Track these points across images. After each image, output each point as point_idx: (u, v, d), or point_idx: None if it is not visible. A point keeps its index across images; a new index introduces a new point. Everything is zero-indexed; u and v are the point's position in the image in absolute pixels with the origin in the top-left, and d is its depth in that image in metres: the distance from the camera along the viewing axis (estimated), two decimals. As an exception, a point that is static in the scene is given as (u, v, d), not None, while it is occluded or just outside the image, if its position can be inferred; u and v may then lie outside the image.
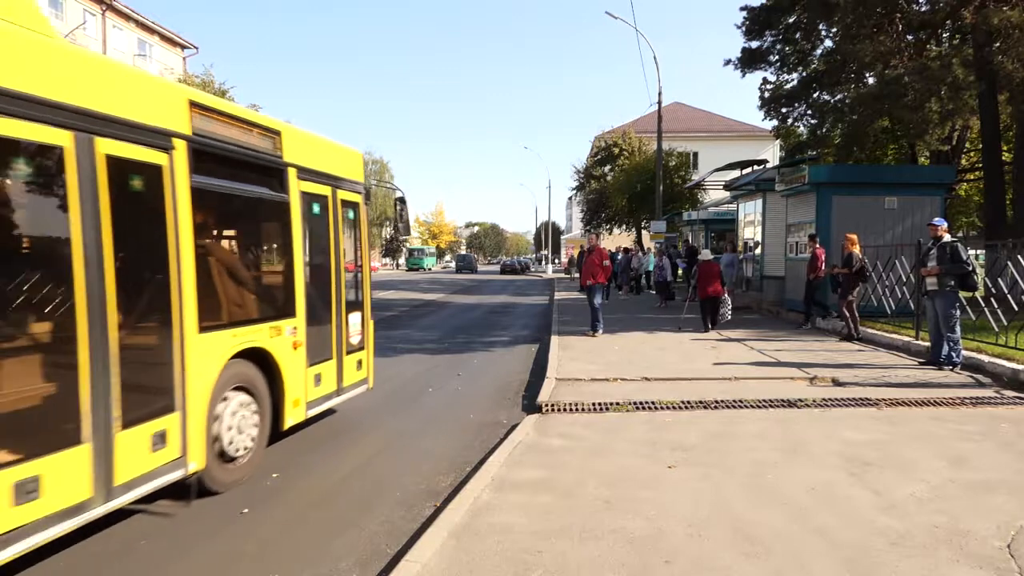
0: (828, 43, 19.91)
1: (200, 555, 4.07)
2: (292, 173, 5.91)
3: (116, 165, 4.02)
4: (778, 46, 20.43)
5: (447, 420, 7.32)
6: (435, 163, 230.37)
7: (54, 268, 3.68)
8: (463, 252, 70.42)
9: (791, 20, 19.37)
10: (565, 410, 7.02)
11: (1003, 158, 18.24)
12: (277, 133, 5.76)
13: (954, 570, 3.47)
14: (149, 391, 4.32)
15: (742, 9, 20.09)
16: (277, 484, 5.27)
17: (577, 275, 31.11)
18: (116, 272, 3.92)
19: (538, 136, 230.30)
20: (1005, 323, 9.09)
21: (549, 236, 62.85)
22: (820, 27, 18.95)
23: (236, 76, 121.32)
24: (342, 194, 6.85)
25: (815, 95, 20.32)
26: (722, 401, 7.18)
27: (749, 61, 20.84)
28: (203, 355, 4.70)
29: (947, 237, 8.80)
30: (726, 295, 13.29)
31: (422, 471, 5.51)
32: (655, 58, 24.71)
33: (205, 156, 4.81)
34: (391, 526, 4.41)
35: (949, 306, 8.64)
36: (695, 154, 42.60)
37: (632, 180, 33.96)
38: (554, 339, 11.96)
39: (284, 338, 5.72)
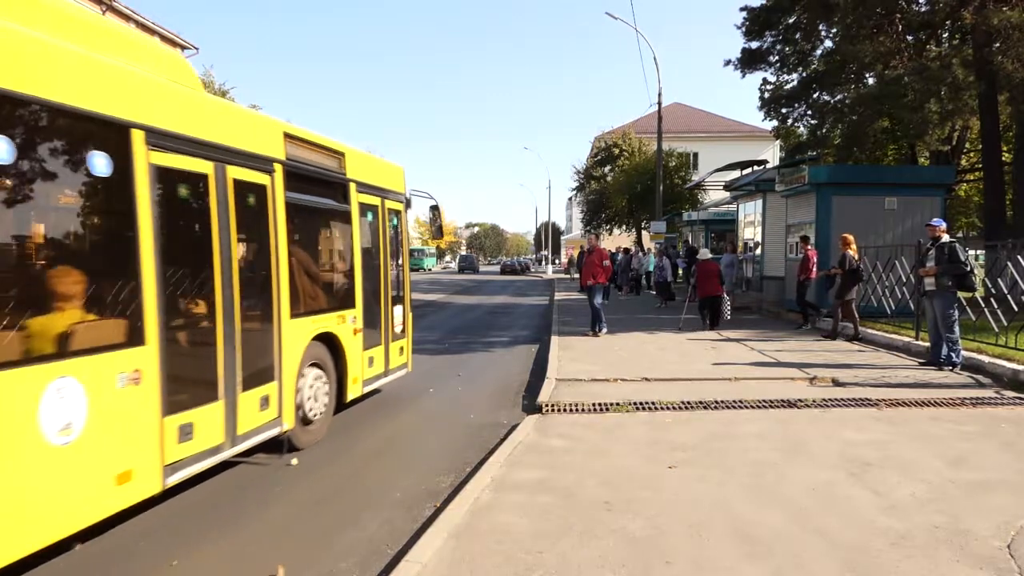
0: (828, 43, 19.95)
1: (199, 555, 4.07)
2: (352, 187, 7.10)
3: (239, 187, 5.15)
4: (778, 46, 20.43)
5: (447, 420, 7.33)
6: (435, 163, 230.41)
7: (202, 267, 4.82)
8: (465, 253, 70.65)
9: (791, 20, 19.36)
10: (565, 410, 7.02)
11: (1003, 158, 18.25)
12: (342, 154, 6.89)
13: (954, 570, 3.47)
14: (258, 363, 5.36)
15: (742, 9, 20.10)
16: (275, 485, 5.27)
17: (577, 275, 31.15)
18: (239, 270, 5.10)
19: (538, 136, 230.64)
20: (1005, 323, 9.09)
21: (549, 236, 62.86)
22: (820, 27, 18.96)
23: (236, 76, 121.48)
24: (389, 203, 8.09)
25: (815, 95, 20.32)
26: (722, 401, 7.18)
27: (749, 61, 20.84)
28: (293, 337, 5.83)
29: (945, 237, 8.80)
30: (725, 294, 13.34)
31: (422, 471, 5.51)
32: (655, 58, 24.73)
33: (294, 176, 5.92)
34: (391, 526, 4.41)
35: (947, 306, 8.64)
36: (695, 154, 42.60)
37: (632, 180, 33.99)
38: (554, 339, 11.97)
39: (347, 325, 6.88)
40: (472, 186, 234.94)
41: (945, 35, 18.50)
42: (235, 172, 5.12)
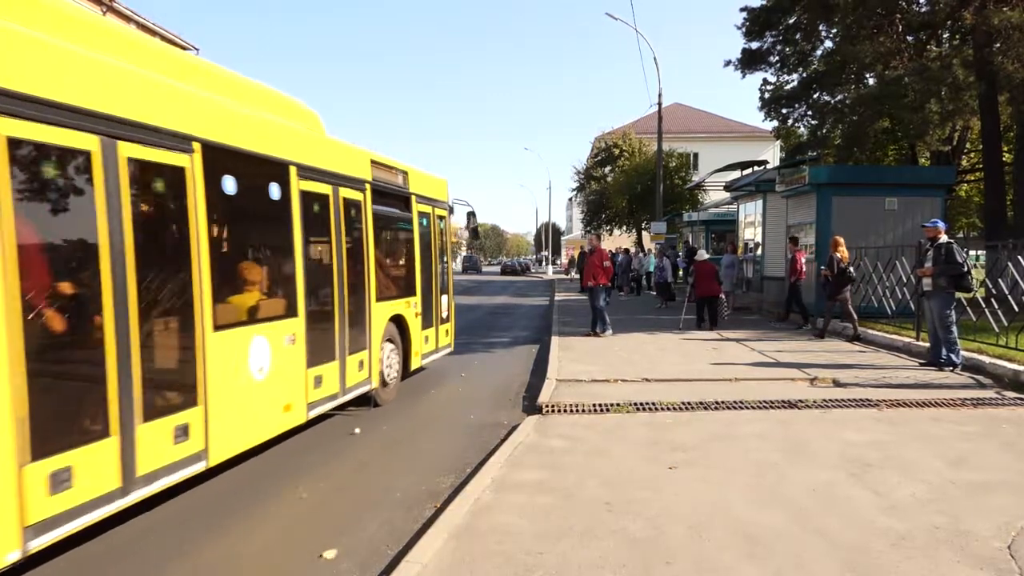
0: (828, 44, 19.95)
1: (198, 556, 4.07)
2: (413, 199, 8.89)
3: (346, 203, 6.96)
4: (778, 47, 20.42)
5: (447, 421, 7.33)
6: (435, 164, 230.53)
7: (328, 263, 6.63)
8: (468, 254, 70.85)
9: (791, 21, 19.35)
10: (566, 411, 7.01)
11: (1003, 159, 18.25)
12: (406, 172, 8.70)
13: (955, 571, 3.47)
14: (358, 336, 7.16)
15: (742, 10, 20.09)
16: (279, 483, 5.27)
17: (577, 276, 31.15)
18: (347, 265, 6.89)
19: (538, 137, 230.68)
20: (1006, 324, 9.08)
21: (549, 237, 62.84)
22: (820, 28, 18.96)
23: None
24: (437, 211, 9.87)
25: (815, 96, 20.31)
26: (723, 402, 7.18)
27: (749, 62, 20.83)
28: (378, 317, 7.65)
29: (944, 238, 8.81)
30: (722, 294, 13.47)
31: (422, 472, 5.51)
32: (655, 59, 24.73)
33: (376, 192, 7.69)
34: (391, 527, 4.41)
35: (944, 307, 8.66)
36: (695, 155, 42.62)
37: (632, 181, 33.99)
38: (554, 340, 11.97)
39: (411, 310, 8.70)
40: (472, 186, 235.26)
41: (945, 35, 18.49)
42: (344, 192, 6.93)
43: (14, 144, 3.38)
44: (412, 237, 8.90)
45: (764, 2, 19.45)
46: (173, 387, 4.53)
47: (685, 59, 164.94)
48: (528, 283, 41.37)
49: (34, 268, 3.50)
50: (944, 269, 8.61)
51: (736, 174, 20.92)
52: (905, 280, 11.46)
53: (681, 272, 24.53)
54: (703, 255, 14.25)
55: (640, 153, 38.15)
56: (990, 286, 9.85)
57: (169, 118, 4.47)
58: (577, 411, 7.00)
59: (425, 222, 9.37)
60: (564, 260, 64.51)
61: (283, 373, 5.69)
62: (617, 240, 39.51)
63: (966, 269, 8.58)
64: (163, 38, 42.25)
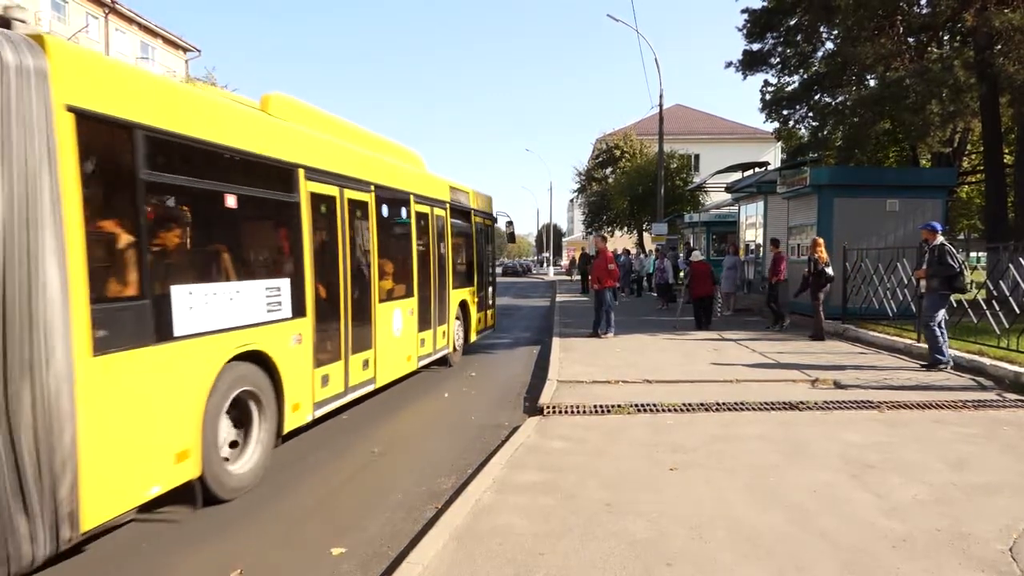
0: (829, 45, 19.89)
1: (196, 558, 4.07)
2: (472, 213, 11.72)
3: (437, 219, 9.76)
4: (779, 48, 20.40)
5: (448, 422, 7.33)
6: (436, 164, 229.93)
7: (433, 261, 9.50)
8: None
9: (792, 22, 19.33)
10: (566, 412, 7.02)
11: (1004, 160, 18.21)
12: (467, 193, 11.57)
13: (956, 573, 3.47)
14: (443, 313, 10.04)
15: (743, 11, 20.07)
16: (278, 485, 5.27)
17: (578, 277, 31.13)
18: (437, 261, 9.66)
19: (539, 138, 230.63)
20: (1007, 325, 9.08)
21: (551, 238, 62.80)
22: (821, 29, 18.93)
23: (238, 77, 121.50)
24: (487, 221, 12.83)
25: (816, 97, 20.29)
26: (723, 403, 7.18)
27: (750, 63, 20.81)
28: (453, 301, 10.56)
29: (940, 240, 8.88)
30: (717, 294, 13.93)
31: (423, 473, 5.52)
32: (656, 60, 24.77)
33: (452, 209, 10.53)
34: (392, 528, 4.42)
35: (933, 308, 8.78)
36: (696, 156, 42.57)
37: (633, 182, 33.97)
38: (556, 341, 11.97)
39: (471, 297, 11.63)
40: (474, 187, 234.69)
41: (946, 37, 18.48)
42: (437, 211, 9.85)
43: (315, 197, 6.28)
44: (472, 241, 11.77)
45: (765, 3, 19.44)
46: (364, 337, 7.28)
47: (686, 60, 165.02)
48: (529, 284, 41.37)
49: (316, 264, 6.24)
50: (937, 271, 8.70)
51: (737, 175, 20.90)
52: (906, 282, 11.45)
53: (682, 273, 24.53)
54: (698, 256, 14.63)
55: (641, 154, 38.14)
56: (991, 288, 9.84)
57: (363, 173, 7.38)
58: (578, 412, 7.00)
59: (480, 230, 12.28)
60: (565, 261, 64.45)
61: (407, 334, 8.54)
62: (618, 241, 39.48)
63: (959, 270, 8.62)
64: (165, 39, 42.26)
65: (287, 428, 5.67)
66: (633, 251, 32.78)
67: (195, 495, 4.60)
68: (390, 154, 8.75)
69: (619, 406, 7.07)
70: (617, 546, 3.80)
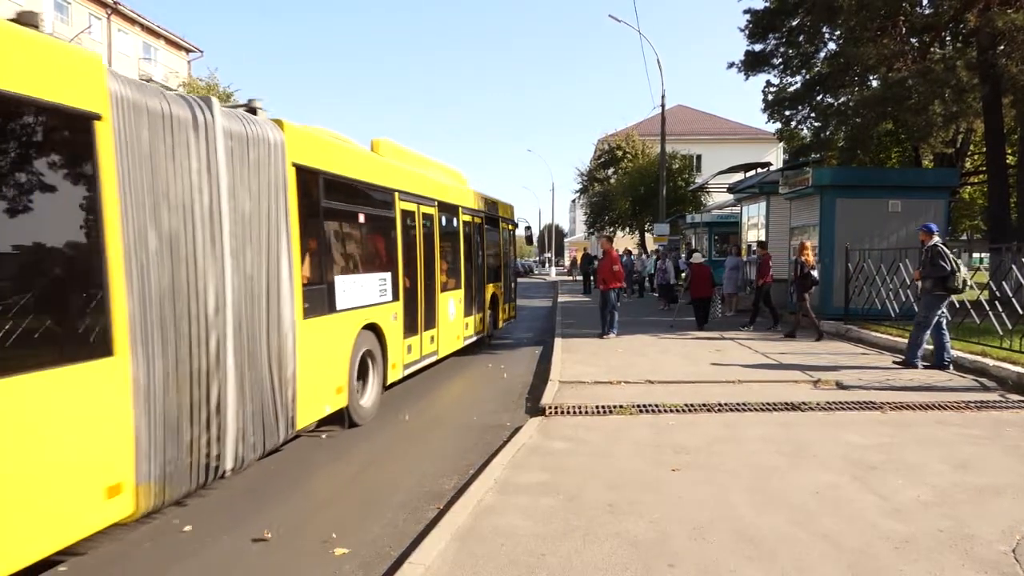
0: (831, 46, 19.85)
1: (194, 564, 4.07)
2: (500, 220, 13.85)
3: (476, 226, 11.87)
4: (781, 49, 20.38)
5: (450, 422, 7.34)
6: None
7: (478, 259, 12.00)
8: None
9: (794, 23, 19.31)
10: (568, 413, 7.01)
11: (1007, 161, 18.19)
12: (495, 203, 13.51)
13: (959, 575, 3.46)
14: (480, 302, 12.02)
15: (745, 12, 20.05)
16: (281, 485, 5.28)
17: (580, 277, 31.11)
18: (474, 260, 11.67)
19: (541, 138, 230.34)
20: (1010, 326, 9.05)
21: (552, 239, 62.79)
22: (823, 30, 18.91)
23: (240, 77, 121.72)
24: (510, 226, 15.06)
25: (819, 98, 20.27)
26: (726, 404, 7.18)
27: (752, 64, 20.80)
28: (487, 292, 12.65)
29: (935, 240, 8.96)
30: (716, 295, 14.27)
31: (425, 473, 5.52)
32: (658, 61, 24.76)
33: (486, 218, 12.52)
34: (394, 528, 4.42)
35: (926, 309, 8.91)
36: (698, 157, 42.53)
37: (635, 183, 33.96)
38: (558, 342, 11.97)
39: (499, 291, 13.77)
40: (476, 187, 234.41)
41: (949, 38, 18.45)
42: (476, 219, 11.88)
43: (403, 212, 8.40)
44: (499, 244, 13.96)
45: (767, 4, 19.43)
46: (431, 318, 9.40)
47: (688, 61, 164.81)
48: (531, 284, 41.31)
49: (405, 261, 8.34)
50: (929, 272, 8.82)
51: (739, 176, 20.87)
52: (909, 282, 11.43)
53: (683, 274, 24.51)
54: (697, 257, 14.96)
55: (643, 155, 38.12)
56: (994, 289, 9.82)
57: (431, 192, 9.44)
58: (580, 413, 7.00)
59: (507, 235, 14.61)
60: (567, 262, 64.42)
61: (457, 318, 10.62)
62: (619, 242, 39.43)
63: (950, 271, 8.67)
64: (167, 40, 42.30)
65: (389, 380, 7.91)
66: (635, 252, 32.76)
67: (344, 419, 6.74)
68: (443, 174, 10.83)
69: (621, 407, 7.07)
70: (619, 547, 3.80)
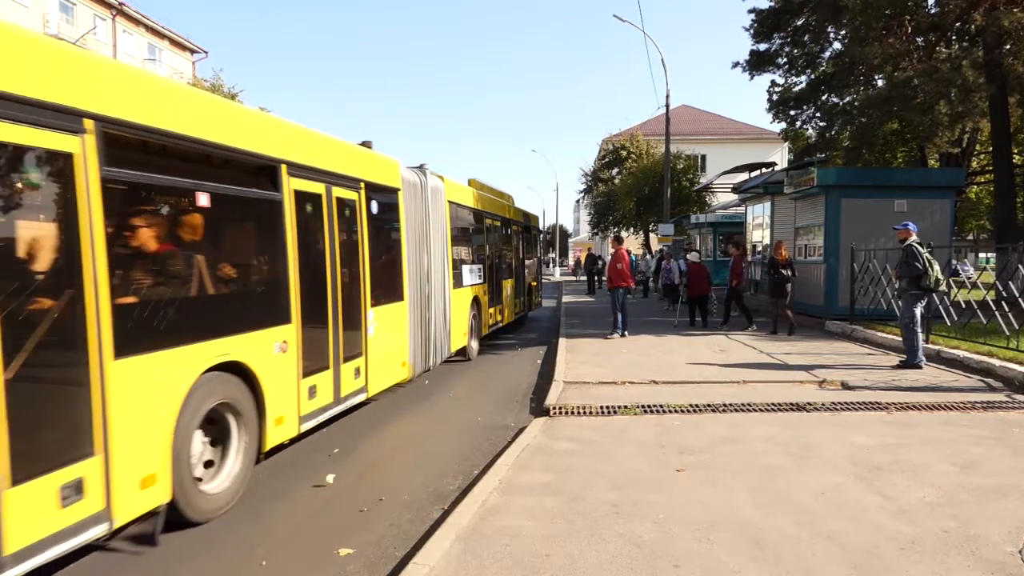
0: (837, 45, 19.77)
1: (208, 553, 4.08)
2: (533, 229, 18.12)
3: (521, 233, 16.61)
4: (786, 48, 20.30)
5: (454, 422, 7.34)
6: (441, 165, 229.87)
7: (509, 261, 15.08)
8: None
9: (799, 22, 19.25)
10: (573, 413, 7.01)
11: (1014, 160, 18.11)
12: (530, 216, 17.98)
13: (965, 576, 3.45)
14: (523, 290, 16.69)
15: (750, 11, 20.00)
16: (283, 486, 5.29)
17: (584, 277, 31.06)
18: (514, 261, 15.57)
19: (545, 139, 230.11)
20: (1016, 327, 9.02)
21: (557, 239, 62.77)
22: (829, 29, 18.83)
23: (245, 77, 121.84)
24: (537, 233, 19.02)
25: (824, 97, 20.20)
26: (730, 404, 7.16)
27: (757, 63, 20.74)
28: (527, 283, 17.19)
29: (912, 238, 9.09)
30: (712, 294, 14.71)
31: (429, 474, 5.52)
32: (663, 61, 24.75)
33: (524, 227, 16.85)
34: (398, 529, 4.42)
35: (907, 306, 9.07)
36: (703, 157, 42.47)
37: (640, 183, 33.92)
38: (562, 342, 11.97)
39: (534, 282, 18.27)
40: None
41: (955, 37, 18.38)
42: (521, 229, 16.45)
43: (490, 226, 13.50)
44: (535, 247, 18.59)
45: (772, 4, 19.38)
46: (521, 290, 16.51)
47: (693, 61, 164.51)
48: (535, 285, 41.31)
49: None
50: (904, 270, 9.03)
51: (744, 176, 20.85)
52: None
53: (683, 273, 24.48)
54: (694, 257, 15.27)
55: (647, 155, 38.07)
56: (1000, 289, 9.78)
57: (501, 211, 14.11)
58: (584, 413, 7.00)
59: (529, 236, 17.67)
60: (571, 262, 64.39)
61: (512, 299, 14.84)
62: (624, 242, 39.33)
63: (923, 270, 8.82)
64: (172, 41, 42.44)
65: (484, 333, 12.42)
66: (639, 252, 32.72)
67: (466, 355, 11.14)
68: (500, 196, 14.73)
69: (625, 407, 7.06)
70: (623, 547, 3.80)
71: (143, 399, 3.95)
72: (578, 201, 68.92)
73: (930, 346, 9.86)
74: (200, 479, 4.52)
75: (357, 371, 6.73)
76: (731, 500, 4.50)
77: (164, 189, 4.48)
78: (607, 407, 7.12)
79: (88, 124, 3.64)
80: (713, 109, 61.82)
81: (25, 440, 3.21)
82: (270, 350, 5.23)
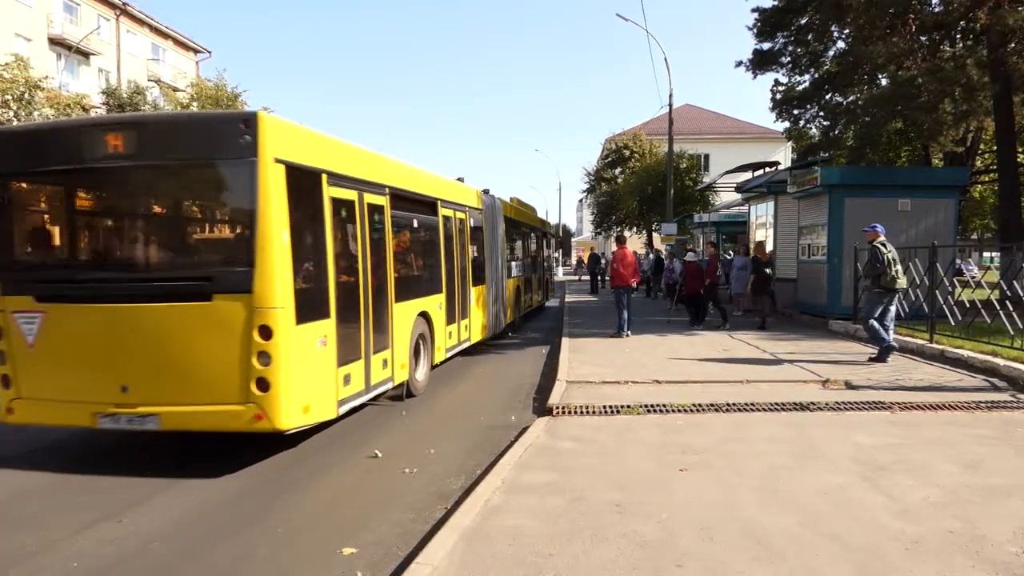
0: (840, 44, 19.75)
1: (212, 554, 4.09)
2: (540, 230, 20.17)
3: (542, 239, 20.68)
4: (790, 47, 20.27)
5: (457, 422, 7.34)
6: (444, 166, 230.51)
7: (538, 260, 19.86)
8: None
9: (803, 21, 19.21)
10: (576, 413, 7.01)
11: (1018, 160, 18.05)
12: (546, 222, 23.47)
13: (969, 576, 3.44)
14: (541, 283, 20.35)
15: (753, 10, 19.96)
16: (286, 486, 5.29)
17: (586, 277, 31.08)
18: (535, 260, 19.05)
19: (548, 138, 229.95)
20: (1021, 326, 8.99)
21: (560, 237, 62.58)
22: (832, 28, 18.80)
23: (248, 78, 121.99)
24: (547, 233, 22.27)
25: (827, 97, 20.18)
26: (734, 404, 7.15)
27: (761, 63, 20.70)
28: (543, 276, 21.04)
29: (878, 240, 9.36)
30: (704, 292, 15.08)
31: (432, 473, 5.53)
32: (666, 60, 24.69)
33: (544, 233, 21.32)
34: (401, 528, 4.43)
35: (867, 304, 9.70)
36: (706, 156, 42.37)
37: (643, 182, 33.88)
38: (565, 341, 11.96)
39: (550, 276, 23.53)
40: (482, 188, 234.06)
41: (959, 36, 18.34)
42: (540, 235, 20.23)
43: (523, 234, 17.46)
44: (542, 248, 20.30)
45: (776, 2, 19.34)
46: (542, 283, 20.68)
47: (696, 60, 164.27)
48: (538, 284, 41.34)
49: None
50: (867, 270, 9.53)
51: (747, 175, 20.78)
52: (918, 282, 11.36)
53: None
54: (691, 256, 15.47)
55: (650, 154, 38.03)
56: (1004, 288, 9.75)
57: (535, 222, 19.14)
58: (587, 413, 6.99)
59: (548, 241, 21.45)
60: (574, 261, 64.33)
61: (529, 294, 17.28)
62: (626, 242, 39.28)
63: (882, 268, 9.21)
64: (176, 41, 42.48)
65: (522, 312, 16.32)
66: (642, 251, 32.70)
67: (506, 332, 14.21)
68: (529, 208, 18.19)
69: (628, 407, 7.06)
70: (627, 547, 3.79)
71: (403, 323, 7.90)
72: (581, 200, 68.86)
73: (934, 346, 9.83)
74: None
75: (469, 325, 11.22)
76: (735, 500, 4.49)
77: (408, 218, 8.57)
78: (610, 406, 7.11)
79: (387, 190, 7.65)
80: (716, 108, 61.87)
81: (377, 337, 7.08)
82: (437, 307, 9.36)
